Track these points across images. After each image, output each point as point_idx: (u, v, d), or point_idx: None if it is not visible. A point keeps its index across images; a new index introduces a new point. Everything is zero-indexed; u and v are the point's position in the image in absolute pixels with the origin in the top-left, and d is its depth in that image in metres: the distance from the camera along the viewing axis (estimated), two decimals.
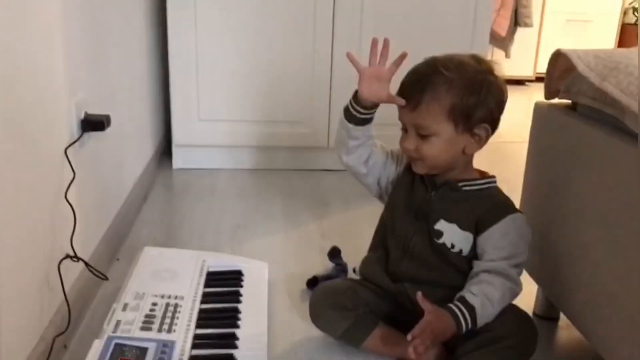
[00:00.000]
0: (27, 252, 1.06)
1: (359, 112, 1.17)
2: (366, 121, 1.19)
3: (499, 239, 1.12)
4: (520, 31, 4.09)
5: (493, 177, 1.21)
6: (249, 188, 2.18)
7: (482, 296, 1.08)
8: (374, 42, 1.15)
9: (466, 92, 1.10)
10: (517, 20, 4.03)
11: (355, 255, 1.36)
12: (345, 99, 2.26)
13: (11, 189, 0.98)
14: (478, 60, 1.15)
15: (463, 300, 1.08)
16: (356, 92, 1.17)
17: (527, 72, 4.45)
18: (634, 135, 0.99)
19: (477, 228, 1.14)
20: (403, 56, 1.15)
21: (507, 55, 4.09)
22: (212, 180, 2.23)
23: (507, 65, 4.60)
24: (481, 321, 1.08)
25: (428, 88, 1.10)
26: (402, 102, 1.13)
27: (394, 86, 1.17)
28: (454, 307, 1.07)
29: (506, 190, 1.21)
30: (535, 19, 4.20)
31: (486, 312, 1.08)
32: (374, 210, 1.35)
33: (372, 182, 1.26)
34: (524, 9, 4.02)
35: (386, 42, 1.16)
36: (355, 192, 1.85)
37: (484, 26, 2.29)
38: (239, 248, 1.69)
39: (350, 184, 1.23)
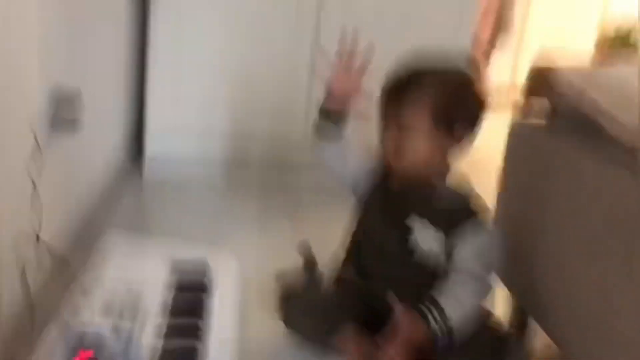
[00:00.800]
0: None
1: (330, 129, 1.20)
2: (339, 137, 1.21)
3: (470, 240, 1.12)
4: (504, 37, 4.10)
5: (470, 180, 1.21)
6: (222, 182, 2.12)
7: (453, 297, 1.08)
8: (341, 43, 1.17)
9: (448, 90, 1.13)
10: (501, 25, 4.05)
11: (327, 251, 1.33)
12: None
13: None
14: (459, 62, 1.19)
15: (432, 300, 1.08)
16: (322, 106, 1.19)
17: (503, 79, 4.46)
18: (611, 151, 0.99)
19: (449, 228, 1.13)
20: (367, 62, 1.16)
21: (487, 61, 4.11)
22: (185, 192, 2.09)
23: (486, 72, 4.55)
24: (456, 322, 1.07)
25: (412, 88, 1.12)
26: (368, 106, 1.14)
27: None
28: (423, 308, 1.07)
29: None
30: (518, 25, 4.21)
31: (458, 312, 1.08)
32: (346, 206, 1.33)
33: (347, 178, 1.26)
34: (508, 13, 4.04)
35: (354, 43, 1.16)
36: (329, 187, 1.83)
37: (466, 30, 2.27)
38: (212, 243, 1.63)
39: (326, 180, 1.22)
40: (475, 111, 1.15)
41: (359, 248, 1.23)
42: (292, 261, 1.55)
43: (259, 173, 2.22)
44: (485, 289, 1.13)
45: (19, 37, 1.11)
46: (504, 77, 4.46)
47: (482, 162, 2.34)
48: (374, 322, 1.20)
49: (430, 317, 1.06)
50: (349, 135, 1.23)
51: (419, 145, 1.13)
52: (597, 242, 0.99)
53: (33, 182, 1.16)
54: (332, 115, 1.19)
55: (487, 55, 4.07)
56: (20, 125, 1.14)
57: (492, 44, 4.08)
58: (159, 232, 1.66)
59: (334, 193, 1.32)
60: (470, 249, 1.12)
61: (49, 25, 1.25)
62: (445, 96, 1.12)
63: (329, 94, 1.17)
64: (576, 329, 1.04)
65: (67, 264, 1.32)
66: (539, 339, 1.27)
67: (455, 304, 1.08)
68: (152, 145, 2.23)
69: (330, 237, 1.59)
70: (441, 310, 1.07)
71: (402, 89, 1.13)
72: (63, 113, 1.30)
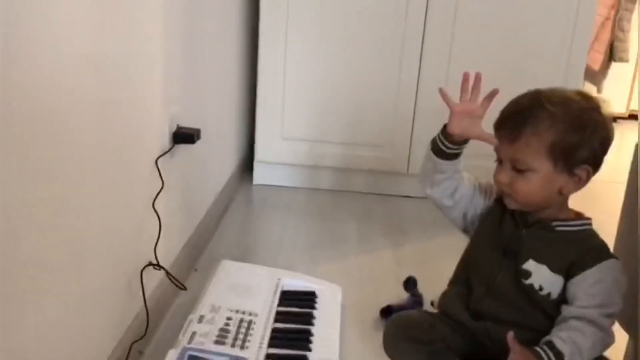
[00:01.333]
0: (113, 258, 1.09)
1: (447, 147, 1.13)
2: (454, 156, 1.15)
3: (592, 285, 1.06)
4: (615, 66, 3.92)
5: (589, 218, 1.15)
6: (326, 208, 2.18)
7: (572, 344, 1.02)
8: (465, 78, 1.12)
9: (570, 129, 1.05)
10: (613, 54, 3.87)
11: (431, 286, 1.33)
12: (428, 126, 2.23)
13: (104, 196, 1.02)
14: (584, 96, 1.10)
15: (551, 345, 1.02)
16: (445, 126, 1.14)
17: (619, 109, 4.25)
18: None
19: (569, 271, 1.08)
20: (495, 92, 1.11)
21: (598, 91, 3.93)
22: (290, 198, 2.25)
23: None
24: None
25: (529, 121, 1.05)
26: (495, 142, 1.09)
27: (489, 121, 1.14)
28: (540, 351, 1.02)
29: (600, 231, 1.15)
30: (632, 54, 4.02)
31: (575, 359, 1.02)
32: (454, 242, 1.31)
33: (458, 216, 1.22)
34: (621, 43, 3.86)
35: (477, 77, 1.12)
36: (434, 221, 1.81)
37: (580, 60, 2.21)
38: (313, 269, 1.68)
39: (429, 212, 1.20)
40: (599, 148, 1.07)
41: (470, 286, 1.19)
42: (393, 289, 1.55)
43: (362, 202, 2.24)
44: (606, 342, 1.06)
45: (145, 67, 1.20)
46: (620, 107, 4.26)
47: (601, 193, 2.24)
48: None
49: (543, 354, 1.01)
50: (463, 170, 1.20)
51: (535, 187, 1.07)
52: None
53: (156, 212, 1.23)
54: (450, 137, 1.13)
55: (599, 85, 3.90)
56: (144, 158, 1.22)
57: (603, 74, 3.90)
58: (264, 258, 1.70)
59: (438, 224, 1.30)
60: (592, 296, 1.05)
61: (173, 58, 1.34)
62: (566, 133, 1.05)
63: (452, 116, 1.12)
64: None
65: (183, 288, 1.39)
66: None
67: (573, 352, 1.02)
68: (260, 174, 2.33)
69: (434, 268, 1.58)
70: (558, 354, 1.02)
71: (517, 125, 1.06)
72: (182, 146, 1.38)
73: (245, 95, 2.32)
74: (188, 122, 1.43)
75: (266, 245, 1.84)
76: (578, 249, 1.09)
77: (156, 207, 1.23)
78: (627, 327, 1.25)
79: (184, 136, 1.35)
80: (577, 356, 1.02)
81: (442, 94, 1.13)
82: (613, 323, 1.08)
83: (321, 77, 2.22)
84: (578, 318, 1.04)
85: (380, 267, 1.74)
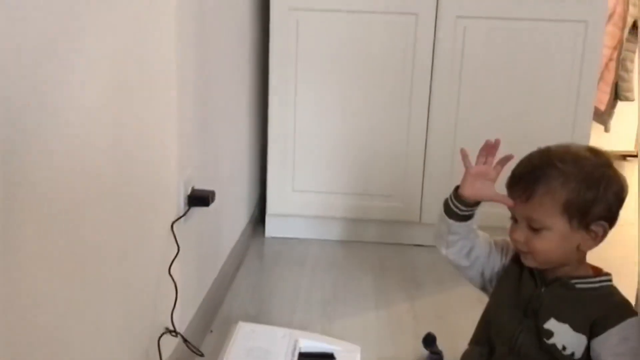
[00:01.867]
0: (130, 327, 1.08)
1: (459, 209, 1.13)
2: (467, 217, 1.14)
3: (617, 345, 1.04)
4: (621, 105, 3.94)
5: (609, 274, 1.13)
6: (339, 261, 2.17)
7: None
8: (488, 144, 1.12)
9: (583, 186, 1.05)
10: (617, 94, 3.89)
11: (451, 341, 1.31)
12: (439, 175, 2.26)
13: (120, 264, 1.01)
14: (595, 152, 1.10)
15: None
16: (457, 188, 1.14)
17: (628, 147, 4.25)
18: None
19: (592, 330, 1.06)
20: (509, 158, 1.12)
21: (606, 130, 3.94)
22: (303, 250, 2.23)
23: (606, 140, 4.47)
24: None
25: (542, 180, 1.06)
26: (510, 202, 1.09)
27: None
28: None
29: (614, 277, 1.13)
30: (637, 92, 4.04)
31: None
32: (470, 292, 1.30)
33: (475, 275, 1.21)
34: (625, 83, 3.88)
35: (497, 143, 1.12)
36: (449, 271, 1.79)
37: (588, 102, 2.22)
38: (329, 326, 1.66)
39: (444, 261, 1.19)
40: (614, 203, 1.07)
41: (491, 346, 1.17)
42: (412, 345, 1.53)
43: (375, 252, 2.23)
44: None
45: (160, 132, 1.21)
46: (628, 146, 4.25)
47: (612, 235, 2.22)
48: None
49: None
50: (477, 229, 1.19)
51: (551, 245, 1.07)
52: None
53: (172, 278, 1.23)
54: (462, 198, 1.13)
55: (606, 125, 3.91)
56: (160, 223, 1.22)
57: (609, 113, 3.92)
58: (280, 316, 1.68)
59: (454, 274, 1.28)
60: (619, 355, 1.03)
61: (187, 121, 1.35)
62: (580, 191, 1.05)
63: (465, 178, 1.12)
64: None
65: (200, 354, 1.37)
66: None
67: None
68: (272, 226, 2.33)
69: (452, 322, 1.56)
70: None
71: (530, 184, 1.06)
72: (197, 209, 1.38)
73: (256, 149, 2.34)
74: (202, 184, 1.43)
75: (281, 302, 1.82)
76: (600, 306, 1.08)
77: (172, 272, 1.23)
78: None
79: (199, 199, 1.36)
80: None
81: (463, 154, 1.13)
82: None
83: (331, 128, 2.24)
84: None
85: (398, 322, 1.72)
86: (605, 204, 1.06)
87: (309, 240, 2.32)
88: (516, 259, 1.17)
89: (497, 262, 1.20)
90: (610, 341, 1.04)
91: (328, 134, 2.24)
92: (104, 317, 0.96)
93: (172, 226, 1.25)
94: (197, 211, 1.39)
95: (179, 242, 1.25)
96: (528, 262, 1.12)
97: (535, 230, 1.07)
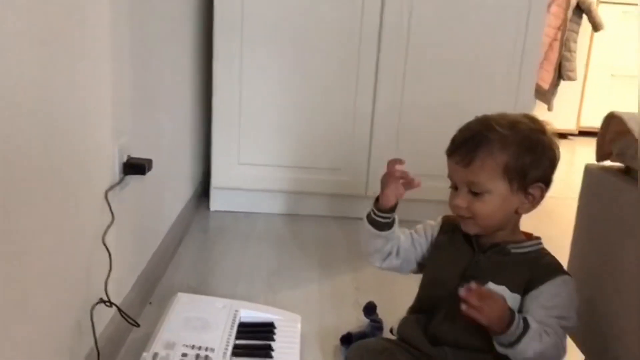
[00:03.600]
0: (63, 296, 1.05)
1: (386, 218, 1.20)
2: (392, 223, 1.21)
3: (548, 299, 1.08)
4: (564, 84, 4.04)
5: (539, 238, 1.18)
6: (285, 234, 2.16)
7: (539, 327, 1.03)
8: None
9: (522, 150, 1.09)
10: (561, 73, 3.99)
11: (391, 311, 1.32)
12: (385, 148, 2.26)
13: (52, 231, 0.98)
14: (531, 119, 1.14)
15: (524, 317, 1.04)
16: (377, 202, 1.20)
17: (570, 125, 4.37)
18: None
19: (526, 289, 1.10)
20: (417, 184, 1.17)
21: (549, 109, 4.03)
22: (249, 224, 2.22)
23: (549, 119, 4.58)
24: (523, 346, 1.02)
25: (483, 144, 1.08)
26: (417, 182, 1.15)
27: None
28: (515, 312, 1.04)
29: (550, 248, 1.18)
30: (579, 72, 4.15)
31: (533, 342, 1.02)
32: None
33: (411, 265, 1.27)
34: (568, 63, 3.98)
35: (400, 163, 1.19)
36: None
37: (529, 80, 2.26)
38: (273, 297, 1.65)
39: None
40: (548, 167, 1.11)
41: (429, 313, 1.19)
42: (353, 315, 1.54)
43: (321, 226, 2.23)
44: (561, 353, 1.08)
45: (92, 98, 1.16)
46: (570, 124, 4.38)
47: (554, 209, 2.27)
48: None
49: (516, 319, 1.02)
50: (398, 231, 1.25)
51: (493, 208, 1.09)
52: None
53: (106, 247, 1.19)
54: (384, 209, 1.19)
55: (549, 103, 4.00)
56: (92, 191, 1.18)
57: (553, 92, 4.01)
58: (222, 289, 1.67)
59: None
60: (549, 309, 1.07)
61: (122, 88, 1.31)
62: (519, 154, 1.08)
63: (389, 186, 1.18)
64: None
65: (136, 325, 1.34)
66: None
67: (539, 333, 1.03)
68: (217, 200, 2.30)
69: (393, 292, 1.57)
70: (525, 322, 1.03)
71: (470, 149, 1.08)
72: (133, 177, 1.34)
73: (201, 121, 2.30)
74: (140, 152, 1.39)
75: (224, 275, 1.80)
76: (533, 267, 1.11)
77: (106, 241, 1.20)
78: (584, 348, 1.26)
79: (135, 167, 1.32)
80: (537, 340, 1.02)
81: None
82: (565, 336, 1.10)
83: (277, 101, 2.22)
84: (540, 323, 1.05)
85: (340, 293, 1.73)
86: (541, 168, 1.10)
87: (255, 214, 2.31)
88: (445, 231, 1.21)
89: (424, 244, 1.25)
90: (542, 296, 1.08)
91: (274, 107, 2.22)
92: (32, 286, 0.92)
93: (106, 194, 1.21)
94: (134, 180, 1.36)
95: (113, 211, 1.22)
96: (469, 228, 1.13)
97: (476, 194, 1.10)
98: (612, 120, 1.21)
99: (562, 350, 1.07)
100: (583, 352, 1.27)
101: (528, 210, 1.14)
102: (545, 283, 1.08)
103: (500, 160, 1.08)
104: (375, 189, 2.35)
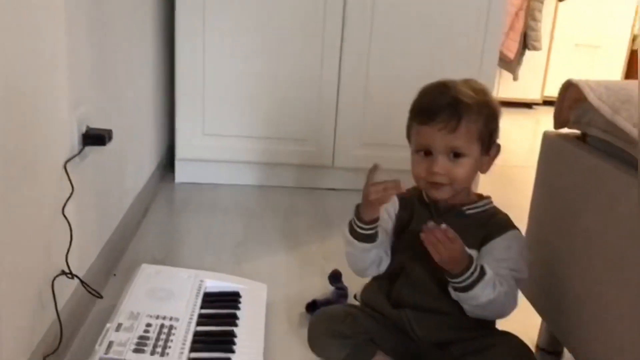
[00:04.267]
0: (22, 268, 1.04)
1: (365, 230, 1.16)
2: (376, 234, 1.17)
3: (501, 252, 1.13)
4: (529, 54, 4.08)
5: (489, 197, 1.22)
6: (251, 205, 2.16)
7: (495, 277, 1.08)
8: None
9: (490, 114, 1.14)
10: (526, 43, 4.02)
11: (356, 279, 1.34)
12: (352, 119, 2.26)
13: (8, 203, 0.96)
14: (480, 84, 1.18)
15: (481, 265, 1.08)
16: (358, 214, 1.16)
17: (534, 95, 4.43)
18: None
19: (481, 244, 1.15)
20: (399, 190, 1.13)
21: (514, 78, 4.08)
22: (215, 195, 2.21)
23: (514, 88, 4.65)
24: (477, 292, 1.06)
25: (464, 111, 1.11)
26: (400, 187, 1.11)
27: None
28: (473, 258, 1.08)
29: (514, 216, 1.21)
30: (544, 42, 4.19)
31: (487, 289, 1.07)
32: None
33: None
34: (533, 33, 4.01)
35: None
36: None
37: (493, 48, 2.27)
38: (239, 267, 1.66)
39: (354, 203, 1.21)
40: (499, 126, 1.17)
41: (390, 278, 1.21)
42: (320, 283, 1.56)
43: (288, 196, 2.24)
44: (513, 303, 1.13)
45: (48, 68, 1.14)
46: (535, 94, 4.43)
47: (517, 177, 2.31)
48: (402, 353, 1.19)
49: (474, 264, 1.07)
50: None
51: (469, 170, 1.14)
52: (630, 269, 0.96)
53: (66, 218, 1.18)
54: (366, 221, 1.16)
55: (515, 73, 4.04)
56: (51, 162, 1.16)
57: (518, 61, 4.05)
58: (188, 260, 1.67)
59: None
60: (502, 261, 1.12)
61: (79, 57, 1.28)
62: (487, 118, 1.13)
63: (364, 204, 1.14)
64: (606, 357, 1.00)
65: (99, 296, 1.34)
66: None
67: (493, 281, 1.07)
68: (182, 171, 2.28)
69: None
70: (482, 269, 1.07)
71: (454, 116, 1.10)
72: (93, 148, 1.32)
73: (164, 92, 2.26)
74: (99, 123, 1.37)
75: (190, 246, 1.80)
76: (487, 224, 1.16)
77: (66, 213, 1.18)
78: (540, 309, 1.30)
79: (95, 137, 1.30)
80: (491, 287, 1.07)
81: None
82: (517, 289, 1.15)
83: (241, 71, 2.19)
84: (495, 273, 1.10)
85: (307, 262, 1.74)
86: (498, 128, 1.17)
87: (221, 185, 2.30)
88: (404, 206, 1.23)
89: (391, 226, 1.23)
90: (494, 250, 1.13)
91: (238, 77, 2.20)
92: None
93: (65, 165, 1.19)
94: (94, 151, 1.34)
95: (73, 182, 1.20)
96: (443, 194, 1.15)
97: (455, 160, 1.12)
98: (570, 88, 1.23)
99: (512, 300, 1.12)
100: (540, 314, 1.31)
101: (487, 170, 1.19)
102: (497, 238, 1.14)
103: (477, 125, 1.12)
104: (341, 160, 2.37)
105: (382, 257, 1.21)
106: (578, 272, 1.13)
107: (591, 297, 1.08)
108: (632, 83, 1.15)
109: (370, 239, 1.17)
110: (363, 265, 1.22)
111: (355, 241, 1.17)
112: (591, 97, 1.12)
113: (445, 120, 1.10)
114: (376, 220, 1.16)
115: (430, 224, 1.05)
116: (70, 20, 1.20)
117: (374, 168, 1.13)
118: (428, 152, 1.14)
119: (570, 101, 1.24)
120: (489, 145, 1.16)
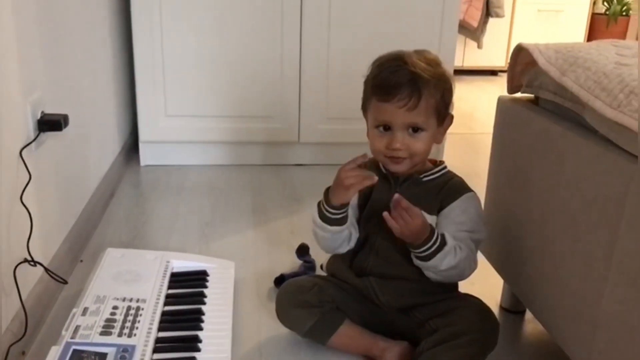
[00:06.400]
0: None
1: (335, 214, 1.15)
2: (346, 218, 1.17)
3: (458, 215, 1.15)
4: (492, 21, 4.10)
5: (442, 162, 1.24)
6: (218, 185, 2.16)
7: (454, 243, 1.11)
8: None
9: (447, 87, 1.15)
10: (489, 10, 4.04)
11: (324, 252, 1.35)
12: (315, 93, 2.26)
13: None
14: (429, 53, 1.18)
15: (442, 234, 1.11)
16: (327, 199, 1.15)
17: (499, 62, 4.47)
18: (594, 130, 0.99)
19: (439, 209, 1.17)
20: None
21: (479, 46, 4.10)
22: (181, 177, 2.21)
23: (479, 56, 4.66)
24: (437, 261, 1.10)
25: (424, 86, 1.11)
26: (374, 179, 1.10)
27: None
28: (435, 230, 1.11)
29: (480, 182, 1.25)
30: (507, 9, 4.21)
31: (448, 257, 1.10)
32: None
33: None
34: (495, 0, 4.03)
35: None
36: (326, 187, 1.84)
37: (453, 16, 2.28)
38: (207, 247, 1.67)
39: (322, 178, 1.21)
40: (452, 97, 1.18)
41: (355, 248, 1.22)
42: (288, 258, 1.57)
43: (255, 174, 2.24)
44: (473, 265, 1.16)
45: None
46: (499, 61, 4.47)
47: (480, 144, 2.34)
48: (368, 320, 1.21)
49: (435, 234, 1.10)
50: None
51: (427, 143, 1.15)
52: (580, 224, 0.99)
53: (25, 206, 1.17)
54: (336, 206, 1.15)
55: (479, 41, 4.06)
56: (5, 150, 1.15)
57: (481, 29, 4.07)
58: (156, 243, 1.67)
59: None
60: (461, 224, 1.14)
61: (30, 41, 1.26)
62: (443, 92, 1.14)
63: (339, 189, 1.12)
64: (563, 312, 1.03)
65: (64, 282, 1.33)
66: (532, 324, 1.27)
67: (454, 248, 1.11)
68: (147, 154, 2.27)
69: None
70: (443, 238, 1.10)
71: (414, 92, 1.10)
72: (49, 134, 1.31)
73: (124, 74, 2.24)
74: (56, 108, 1.35)
75: (157, 229, 1.79)
76: (444, 189, 1.19)
77: (25, 201, 1.17)
78: (500, 270, 1.33)
79: (50, 123, 1.28)
80: (452, 254, 1.10)
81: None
82: (477, 250, 1.18)
83: (201, 50, 2.17)
84: (454, 238, 1.13)
85: (275, 237, 1.75)
86: (451, 98, 1.18)
87: (187, 166, 2.29)
88: (382, 165, 1.22)
89: (355, 200, 1.22)
90: (452, 213, 1.16)
91: (199, 55, 2.18)
92: None
93: (20, 153, 1.18)
94: (50, 136, 1.32)
95: (29, 169, 1.19)
96: (403, 167, 1.16)
97: (413, 134, 1.13)
98: (521, 52, 1.24)
99: (472, 262, 1.15)
100: (501, 275, 1.34)
101: (441, 140, 1.21)
102: (454, 202, 1.16)
103: (435, 99, 1.13)
104: (307, 136, 2.37)
105: (352, 233, 1.22)
106: (533, 230, 1.16)
107: (546, 253, 1.11)
108: (580, 45, 1.16)
109: (341, 222, 1.17)
110: (334, 245, 1.22)
111: (327, 225, 1.17)
112: (540, 61, 1.14)
113: (406, 98, 1.11)
114: (347, 204, 1.16)
115: (396, 196, 1.07)
116: (16, 5, 1.18)
117: (363, 157, 1.12)
118: (387, 127, 1.15)
119: (522, 65, 1.26)
120: (444, 117, 1.17)
